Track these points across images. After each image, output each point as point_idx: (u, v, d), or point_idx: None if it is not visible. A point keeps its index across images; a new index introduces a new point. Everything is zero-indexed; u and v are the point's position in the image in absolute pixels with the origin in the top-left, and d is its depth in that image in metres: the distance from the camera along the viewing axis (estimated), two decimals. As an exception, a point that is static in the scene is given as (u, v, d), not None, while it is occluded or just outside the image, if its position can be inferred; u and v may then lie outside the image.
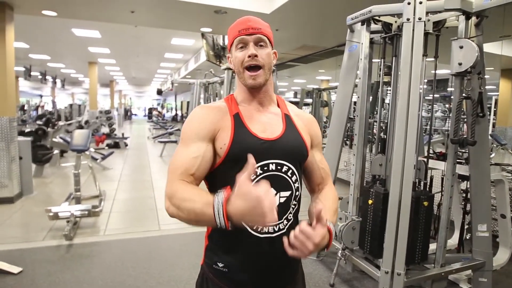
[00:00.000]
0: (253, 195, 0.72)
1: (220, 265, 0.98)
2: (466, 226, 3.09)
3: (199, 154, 0.94)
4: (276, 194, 0.94)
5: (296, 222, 1.02)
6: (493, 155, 5.51)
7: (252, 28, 0.96)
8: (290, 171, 0.98)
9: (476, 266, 2.50)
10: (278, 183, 0.95)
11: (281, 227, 0.96)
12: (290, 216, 0.99)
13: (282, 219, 0.97)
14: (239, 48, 0.98)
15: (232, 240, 0.96)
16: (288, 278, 1.03)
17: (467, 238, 3.07)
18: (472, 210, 2.56)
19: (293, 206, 1.00)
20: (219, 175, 0.97)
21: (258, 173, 0.94)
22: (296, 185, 1.00)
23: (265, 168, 0.94)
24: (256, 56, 0.95)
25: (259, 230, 0.94)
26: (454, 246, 3.10)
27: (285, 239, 0.83)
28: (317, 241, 0.82)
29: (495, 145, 6.46)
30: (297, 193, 1.00)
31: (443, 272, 2.41)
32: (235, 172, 0.91)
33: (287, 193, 0.97)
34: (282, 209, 0.96)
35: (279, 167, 0.96)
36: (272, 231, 0.95)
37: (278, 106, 1.07)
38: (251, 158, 0.77)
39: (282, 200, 0.96)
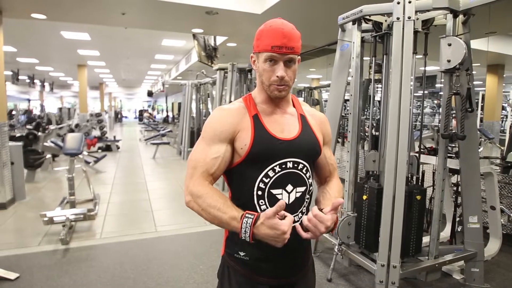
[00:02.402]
0: (279, 229, 0.88)
1: (242, 254, 1.05)
2: (457, 219, 3.17)
3: (220, 155, 1.00)
4: (292, 190, 1.02)
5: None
6: (481, 149, 5.64)
7: (286, 48, 0.96)
8: (305, 168, 1.05)
9: (468, 257, 2.58)
10: (295, 180, 1.03)
11: (296, 220, 1.03)
12: (304, 209, 1.07)
13: (297, 212, 1.05)
14: (268, 62, 0.99)
15: None
16: (301, 265, 1.12)
17: (459, 230, 3.15)
18: (463, 203, 2.63)
19: (307, 200, 1.08)
20: (238, 172, 1.04)
21: (276, 171, 1.01)
22: (310, 180, 1.07)
23: (283, 166, 1.01)
24: (284, 78, 0.99)
25: None
26: (447, 238, 3.18)
27: (297, 225, 0.95)
28: (329, 224, 0.93)
29: (483, 139, 6.61)
30: (310, 187, 1.08)
31: (437, 264, 2.48)
32: (253, 170, 1.00)
33: (303, 189, 1.04)
34: (298, 203, 1.04)
35: (295, 165, 1.03)
36: None
37: (294, 106, 1.13)
38: (281, 202, 0.89)
39: (298, 195, 1.04)
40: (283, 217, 0.91)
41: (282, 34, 0.96)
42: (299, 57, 1.05)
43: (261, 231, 0.89)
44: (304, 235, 0.94)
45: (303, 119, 1.09)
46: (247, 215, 0.91)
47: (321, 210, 0.96)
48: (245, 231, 0.90)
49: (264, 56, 0.99)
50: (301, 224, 0.97)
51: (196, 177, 1.00)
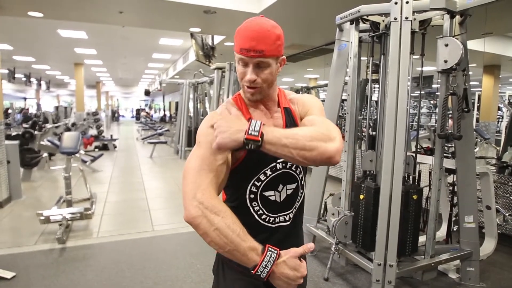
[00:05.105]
0: (300, 271, 0.86)
1: None
2: (453, 218, 3.19)
3: (225, 161, 0.93)
4: (283, 188, 1.02)
5: (302, 210, 1.10)
6: (477, 149, 5.67)
7: (254, 51, 0.91)
8: (294, 165, 1.04)
9: (464, 256, 2.59)
10: (285, 178, 1.02)
11: (291, 216, 1.05)
12: (297, 205, 1.07)
13: (291, 209, 1.05)
14: (241, 63, 0.96)
15: (247, 230, 1.00)
16: None
17: (455, 229, 3.17)
18: (459, 202, 2.65)
19: (300, 196, 1.08)
20: (232, 177, 0.99)
21: (268, 174, 1.00)
22: (301, 176, 1.06)
23: (274, 169, 1.00)
24: (254, 81, 0.95)
25: (271, 221, 1.02)
26: (443, 237, 3.20)
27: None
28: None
29: (479, 140, 6.66)
30: (302, 182, 1.07)
31: (433, 263, 2.50)
32: (246, 175, 0.99)
33: (293, 185, 1.04)
34: (291, 200, 1.04)
35: (284, 164, 1.02)
36: (283, 220, 1.03)
37: (279, 102, 1.07)
38: (311, 245, 0.89)
39: (289, 192, 1.03)
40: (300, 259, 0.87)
41: (251, 36, 0.90)
42: (283, 57, 0.99)
43: (280, 269, 0.83)
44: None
45: (287, 113, 1.05)
46: (271, 249, 0.84)
47: None
48: (265, 265, 0.82)
49: (236, 57, 0.97)
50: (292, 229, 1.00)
51: (205, 186, 0.87)
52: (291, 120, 1.05)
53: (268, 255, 0.83)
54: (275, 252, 0.85)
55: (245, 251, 0.83)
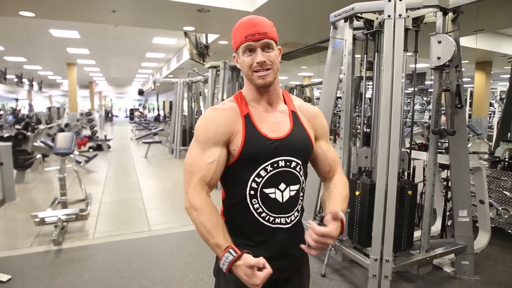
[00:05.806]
0: (252, 281, 0.89)
1: None
2: (448, 213, 3.23)
3: (215, 159, 0.99)
4: (286, 188, 1.02)
5: (303, 212, 1.11)
6: (469, 144, 5.74)
7: (259, 34, 0.98)
8: (298, 166, 1.04)
9: (458, 250, 2.63)
10: (288, 178, 1.02)
11: (292, 219, 1.04)
12: (299, 208, 1.07)
13: (293, 211, 1.05)
14: (247, 52, 1.00)
15: (245, 230, 1.03)
16: (296, 260, 1.11)
17: (449, 224, 3.21)
18: (453, 197, 2.68)
19: (301, 198, 1.08)
20: (230, 173, 1.03)
21: (268, 170, 1.00)
22: (302, 178, 1.07)
23: (275, 165, 1.00)
24: (264, 62, 0.99)
25: (271, 221, 1.02)
26: (437, 232, 3.23)
27: (304, 246, 0.95)
28: (335, 235, 0.93)
29: (471, 135, 6.74)
30: (303, 185, 1.08)
31: (428, 257, 2.53)
32: (246, 171, 1.00)
33: (296, 187, 1.04)
34: (293, 201, 1.04)
35: (287, 163, 1.02)
36: (284, 222, 1.03)
37: (285, 102, 1.11)
38: (262, 260, 0.92)
39: (292, 193, 1.03)
40: (262, 268, 0.91)
41: (252, 23, 0.99)
42: (280, 46, 1.05)
43: (237, 271, 0.91)
44: (313, 252, 0.94)
45: (294, 115, 1.08)
46: (230, 250, 0.92)
47: (322, 218, 0.97)
48: (223, 263, 0.92)
49: (241, 48, 1.00)
50: (302, 231, 0.99)
51: (194, 184, 0.99)
52: (298, 125, 1.08)
53: (225, 256, 0.92)
54: (234, 254, 0.91)
55: (212, 246, 0.95)
